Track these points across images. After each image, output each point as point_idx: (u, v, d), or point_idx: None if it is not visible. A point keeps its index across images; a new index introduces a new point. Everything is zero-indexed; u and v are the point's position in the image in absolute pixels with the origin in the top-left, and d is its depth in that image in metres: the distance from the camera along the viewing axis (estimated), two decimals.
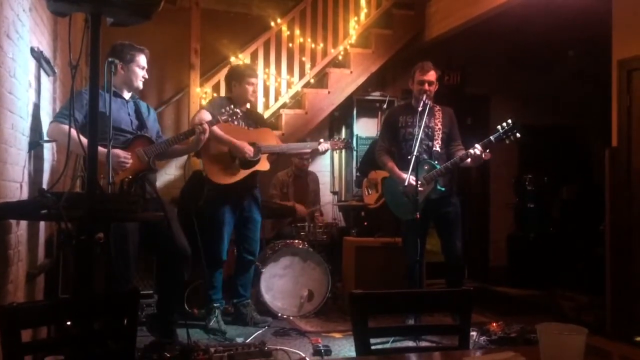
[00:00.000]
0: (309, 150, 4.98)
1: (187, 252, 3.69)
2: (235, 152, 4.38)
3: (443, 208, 4.31)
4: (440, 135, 4.31)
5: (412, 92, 4.44)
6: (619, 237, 4.52)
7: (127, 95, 3.71)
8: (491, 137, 4.05)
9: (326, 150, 4.70)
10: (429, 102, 4.25)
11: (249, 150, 4.38)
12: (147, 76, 3.74)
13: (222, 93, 5.59)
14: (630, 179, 4.46)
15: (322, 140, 4.74)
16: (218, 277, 4.52)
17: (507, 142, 4.06)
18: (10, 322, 1.48)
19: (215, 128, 4.16)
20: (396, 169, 4.31)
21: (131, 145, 3.52)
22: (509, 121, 4.02)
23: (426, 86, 4.28)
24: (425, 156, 4.24)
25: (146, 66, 3.73)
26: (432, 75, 4.31)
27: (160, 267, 3.82)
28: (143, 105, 3.82)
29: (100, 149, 3.21)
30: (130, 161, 3.43)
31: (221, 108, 4.18)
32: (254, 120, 4.66)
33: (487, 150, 4.09)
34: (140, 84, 3.71)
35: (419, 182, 4.08)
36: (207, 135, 3.85)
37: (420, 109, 4.17)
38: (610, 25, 4.62)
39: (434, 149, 4.28)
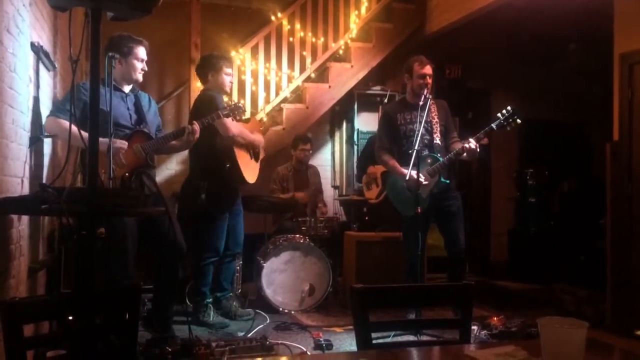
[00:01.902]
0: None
1: (183, 249, 3.68)
2: (254, 147, 4.48)
3: (444, 202, 4.31)
4: (439, 129, 4.32)
5: (410, 87, 4.42)
6: (620, 231, 4.52)
7: (126, 88, 3.67)
8: (492, 125, 4.10)
9: None
10: (430, 96, 4.25)
11: (260, 139, 4.58)
12: (146, 68, 3.66)
13: None
14: (631, 173, 4.46)
15: None
16: (211, 273, 4.51)
17: (509, 128, 4.12)
18: (12, 316, 1.49)
19: (239, 127, 4.25)
20: (399, 167, 4.30)
21: (129, 140, 3.50)
22: (509, 108, 4.09)
23: (427, 79, 4.29)
24: (427, 151, 4.25)
25: (145, 58, 3.65)
26: (429, 69, 4.33)
27: (157, 263, 3.81)
28: (144, 98, 3.78)
29: (100, 139, 3.22)
30: (126, 146, 3.40)
31: (223, 103, 4.20)
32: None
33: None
34: (139, 77, 3.65)
35: (424, 176, 4.10)
36: (197, 135, 3.80)
37: (421, 103, 4.17)
38: (611, 18, 4.61)
39: (435, 142, 4.29)
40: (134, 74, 3.61)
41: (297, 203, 5.60)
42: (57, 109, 3.40)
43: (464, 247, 4.32)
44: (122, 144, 3.38)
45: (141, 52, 3.62)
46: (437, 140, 4.29)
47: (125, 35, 3.59)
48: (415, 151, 3.97)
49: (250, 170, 4.43)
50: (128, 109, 3.63)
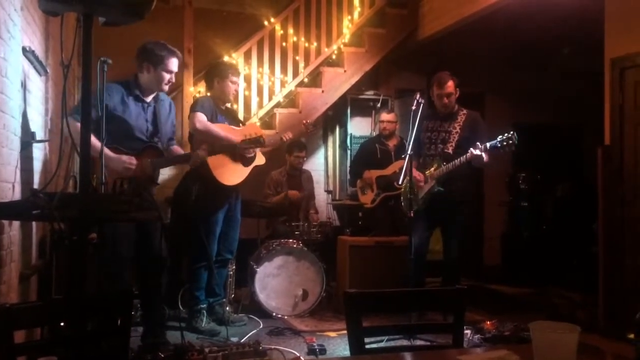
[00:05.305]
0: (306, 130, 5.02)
1: (165, 262, 3.69)
2: (240, 152, 4.39)
3: (447, 211, 4.46)
4: (456, 139, 4.44)
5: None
6: (612, 235, 4.54)
7: (149, 97, 3.64)
8: (487, 144, 4.19)
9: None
10: (453, 108, 4.47)
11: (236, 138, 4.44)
12: (174, 80, 3.63)
13: None
14: (622, 177, 4.48)
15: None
16: (204, 277, 4.49)
17: (502, 151, 4.19)
18: (3, 323, 1.48)
19: (220, 130, 4.21)
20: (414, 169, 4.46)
21: (141, 155, 3.51)
22: (511, 134, 4.14)
23: (445, 100, 4.46)
24: (438, 158, 4.44)
25: (175, 70, 3.60)
26: (450, 87, 4.46)
27: (141, 273, 3.78)
28: (165, 104, 3.75)
29: (110, 154, 3.25)
30: (134, 166, 3.41)
31: (210, 109, 4.20)
32: (234, 118, 4.66)
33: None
34: (165, 88, 3.63)
35: (421, 176, 4.40)
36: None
37: (414, 107, 4.26)
38: (603, 23, 4.64)
39: (446, 151, 4.45)
40: (159, 85, 3.59)
41: (290, 203, 5.59)
42: (75, 110, 3.35)
43: (453, 257, 4.53)
44: (131, 164, 3.39)
45: (172, 63, 3.57)
46: (449, 150, 4.44)
47: (160, 43, 3.54)
48: (408, 155, 4.15)
49: (229, 172, 4.35)
50: (146, 120, 3.61)
